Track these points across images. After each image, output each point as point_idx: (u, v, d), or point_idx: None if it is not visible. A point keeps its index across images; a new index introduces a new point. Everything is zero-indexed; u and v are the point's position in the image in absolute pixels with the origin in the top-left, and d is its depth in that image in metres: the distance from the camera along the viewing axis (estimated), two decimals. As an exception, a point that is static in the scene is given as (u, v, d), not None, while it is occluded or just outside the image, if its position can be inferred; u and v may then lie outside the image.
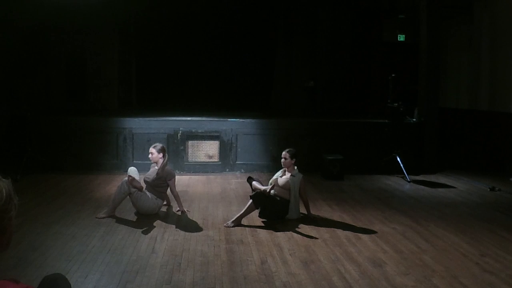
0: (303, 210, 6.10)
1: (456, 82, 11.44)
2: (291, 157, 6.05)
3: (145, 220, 5.79)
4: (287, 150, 6.15)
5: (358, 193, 7.67)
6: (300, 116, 10.79)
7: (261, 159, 9.28)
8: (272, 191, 5.96)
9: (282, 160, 6.09)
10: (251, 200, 5.74)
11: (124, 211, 6.07)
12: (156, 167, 6.19)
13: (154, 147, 6.24)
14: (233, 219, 5.69)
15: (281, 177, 6.09)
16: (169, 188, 6.19)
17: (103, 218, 5.77)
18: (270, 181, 6.13)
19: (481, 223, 5.97)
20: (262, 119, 9.60)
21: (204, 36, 12.37)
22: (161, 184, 6.12)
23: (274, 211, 5.88)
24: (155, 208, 6.04)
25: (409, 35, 11.58)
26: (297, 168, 6.12)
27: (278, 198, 5.96)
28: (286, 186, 5.97)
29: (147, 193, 6.02)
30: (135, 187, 5.86)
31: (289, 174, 6.04)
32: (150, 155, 6.23)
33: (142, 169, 8.50)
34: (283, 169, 6.17)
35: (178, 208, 6.22)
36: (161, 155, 6.16)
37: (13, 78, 9.39)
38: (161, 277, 4.07)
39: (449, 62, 11.57)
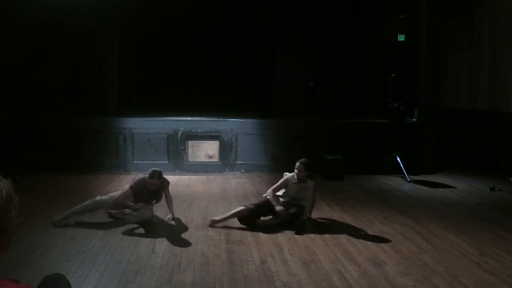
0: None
1: (456, 82, 11.43)
2: (305, 169, 5.73)
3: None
4: (300, 161, 5.80)
5: (358, 193, 7.67)
6: (300, 116, 10.78)
7: (261, 159, 9.28)
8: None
9: (296, 171, 5.75)
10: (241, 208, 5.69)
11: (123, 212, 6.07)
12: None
13: (158, 179, 5.69)
14: (218, 218, 5.64)
15: (298, 193, 5.81)
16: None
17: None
18: (285, 198, 5.84)
19: (481, 223, 5.97)
20: (262, 119, 9.60)
21: (204, 36, 12.37)
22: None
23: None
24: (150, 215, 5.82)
25: (409, 35, 11.58)
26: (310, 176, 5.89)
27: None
28: (301, 198, 5.82)
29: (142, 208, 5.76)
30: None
31: (304, 184, 5.80)
32: (154, 187, 5.70)
33: (141, 169, 8.53)
34: (295, 179, 5.82)
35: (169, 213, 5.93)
36: (160, 181, 5.75)
37: (13, 78, 9.38)
38: (161, 277, 4.08)
39: (449, 62, 11.56)
